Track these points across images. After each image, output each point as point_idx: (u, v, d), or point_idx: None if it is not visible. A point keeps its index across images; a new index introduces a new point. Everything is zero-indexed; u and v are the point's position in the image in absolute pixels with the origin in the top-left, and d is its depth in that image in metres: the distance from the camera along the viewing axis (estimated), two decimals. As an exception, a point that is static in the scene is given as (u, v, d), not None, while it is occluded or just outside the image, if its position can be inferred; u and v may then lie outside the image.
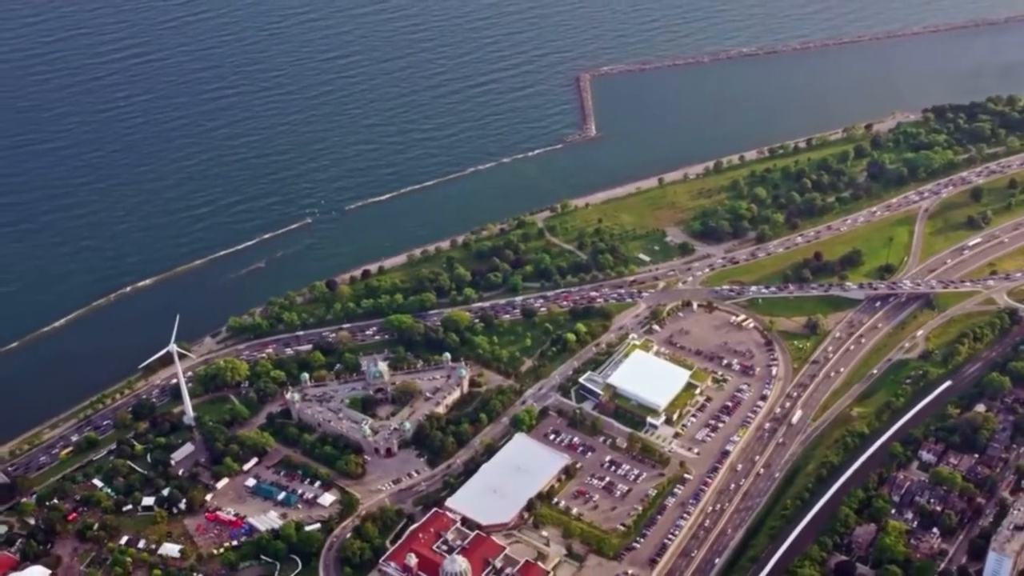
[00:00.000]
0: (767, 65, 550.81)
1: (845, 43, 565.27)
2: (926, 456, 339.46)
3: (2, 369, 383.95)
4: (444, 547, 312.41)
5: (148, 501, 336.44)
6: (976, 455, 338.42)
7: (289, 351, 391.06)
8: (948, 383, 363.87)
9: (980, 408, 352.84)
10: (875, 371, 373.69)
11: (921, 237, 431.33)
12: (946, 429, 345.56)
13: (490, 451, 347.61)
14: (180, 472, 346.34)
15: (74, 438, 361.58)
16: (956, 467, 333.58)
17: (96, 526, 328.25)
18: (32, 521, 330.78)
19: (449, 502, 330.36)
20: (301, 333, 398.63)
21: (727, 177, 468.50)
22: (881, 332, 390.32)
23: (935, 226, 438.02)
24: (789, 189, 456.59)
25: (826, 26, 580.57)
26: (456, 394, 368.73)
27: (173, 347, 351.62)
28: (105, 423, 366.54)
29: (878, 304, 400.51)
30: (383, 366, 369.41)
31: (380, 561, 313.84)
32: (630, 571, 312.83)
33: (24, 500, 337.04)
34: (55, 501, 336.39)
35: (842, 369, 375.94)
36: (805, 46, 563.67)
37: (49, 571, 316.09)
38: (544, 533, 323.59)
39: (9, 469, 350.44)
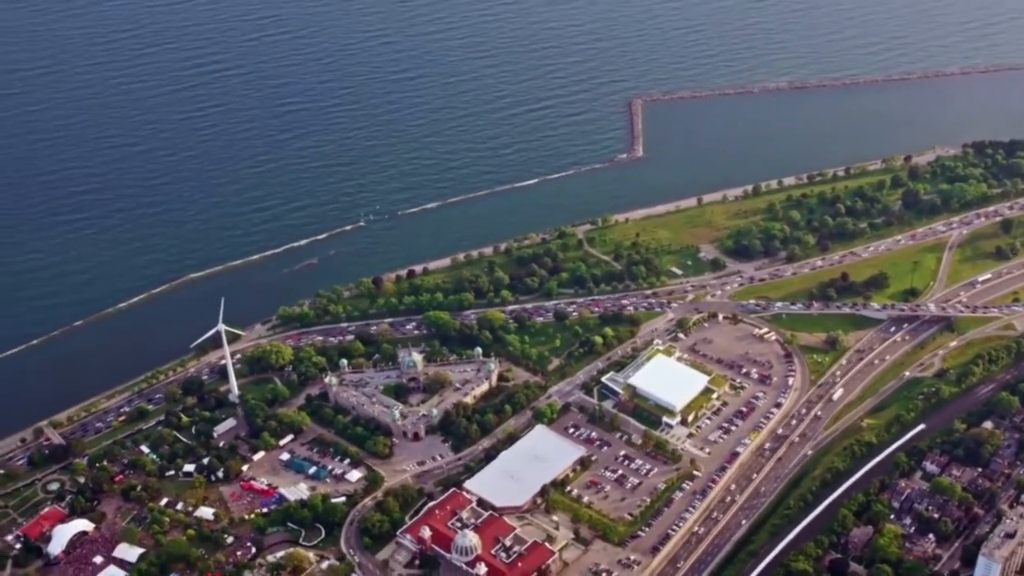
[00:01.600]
0: (814, 98, 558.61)
1: (892, 80, 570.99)
2: (930, 467, 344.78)
3: (67, 344, 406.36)
4: (458, 524, 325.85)
5: (189, 468, 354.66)
6: (979, 469, 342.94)
7: (332, 340, 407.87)
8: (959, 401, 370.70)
9: (987, 425, 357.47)
10: (889, 386, 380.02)
11: (948, 264, 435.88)
12: (951, 442, 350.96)
13: (511, 440, 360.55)
14: (221, 444, 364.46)
15: (127, 408, 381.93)
16: (958, 479, 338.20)
17: (140, 487, 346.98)
18: (82, 480, 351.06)
19: (467, 484, 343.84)
20: (345, 324, 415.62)
21: (764, 200, 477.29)
22: (899, 351, 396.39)
23: (963, 254, 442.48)
24: (823, 213, 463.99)
25: (876, 63, 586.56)
26: (484, 386, 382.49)
27: (221, 327, 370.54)
28: (157, 396, 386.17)
29: (900, 325, 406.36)
30: (417, 357, 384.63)
31: (397, 533, 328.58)
32: (632, 557, 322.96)
33: (76, 461, 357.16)
34: (104, 463, 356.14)
35: (857, 383, 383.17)
36: (854, 81, 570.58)
37: (93, 525, 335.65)
38: (555, 518, 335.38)
39: (65, 433, 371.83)
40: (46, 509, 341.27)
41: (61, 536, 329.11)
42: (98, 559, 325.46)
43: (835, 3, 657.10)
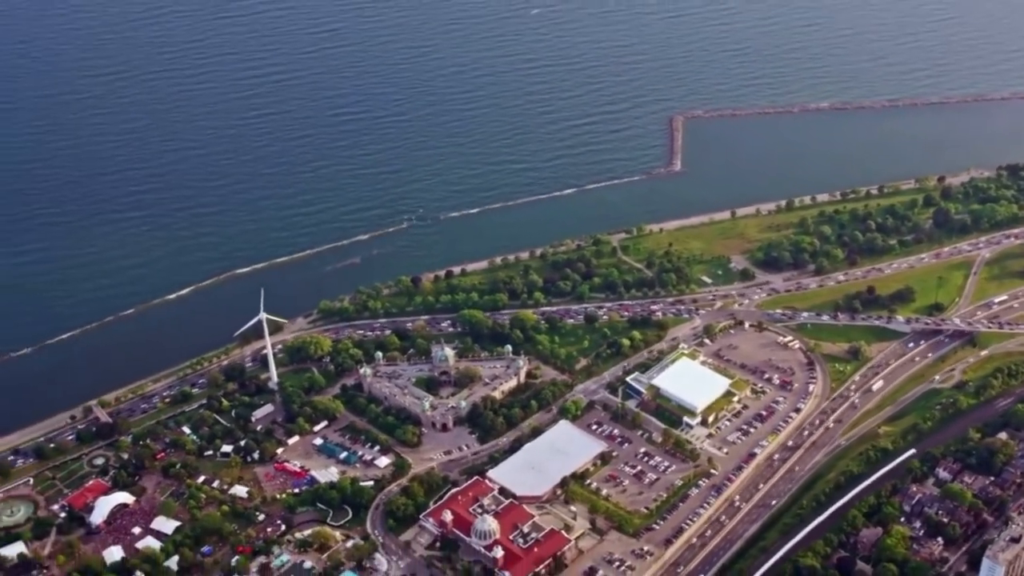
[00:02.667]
0: (853, 118, 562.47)
1: (932, 103, 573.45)
2: (942, 474, 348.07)
3: (119, 330, 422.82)
4: (479, 510, 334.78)
5: (227, 449, 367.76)
6: (991, 477, 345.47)
7: (369, 334, 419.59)
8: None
9: (1002, 436, 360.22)
10: (908, 396, 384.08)
11: (975, 282, 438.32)
12: (965, 451, 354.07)
13: (536, 433, 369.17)
14: (258, 427, 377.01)
15: (171, 392, 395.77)
16: (969, 486, 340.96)
17: (179, 465, 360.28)
18: (125, 456, 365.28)
19: (490, 473, 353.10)
20: (383, 320, 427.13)
21: (797, 215, 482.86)
22: (921, 363, 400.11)
23: (991, 273, 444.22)
24: (854, 229, 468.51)
25: (916, 86, 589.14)
26: (513, 382, 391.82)
27: (263, 315, 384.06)
28: (200, 382, 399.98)
29: (923, 339, 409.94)
30: (449, 351, 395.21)
31: (420, 517, 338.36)
32: (646, 548, 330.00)
33: (121, 438, 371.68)
34: (147, 441, 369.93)
35: (877, 392, 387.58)
36: (893, 103, 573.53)
37: (133, 498, 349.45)
38: (573, 508, 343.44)
39: (112, 412, 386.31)
40: (91, 482, 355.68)
41: (103, 507, 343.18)
42: (136, 530, 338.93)
43: (881, 30, 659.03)
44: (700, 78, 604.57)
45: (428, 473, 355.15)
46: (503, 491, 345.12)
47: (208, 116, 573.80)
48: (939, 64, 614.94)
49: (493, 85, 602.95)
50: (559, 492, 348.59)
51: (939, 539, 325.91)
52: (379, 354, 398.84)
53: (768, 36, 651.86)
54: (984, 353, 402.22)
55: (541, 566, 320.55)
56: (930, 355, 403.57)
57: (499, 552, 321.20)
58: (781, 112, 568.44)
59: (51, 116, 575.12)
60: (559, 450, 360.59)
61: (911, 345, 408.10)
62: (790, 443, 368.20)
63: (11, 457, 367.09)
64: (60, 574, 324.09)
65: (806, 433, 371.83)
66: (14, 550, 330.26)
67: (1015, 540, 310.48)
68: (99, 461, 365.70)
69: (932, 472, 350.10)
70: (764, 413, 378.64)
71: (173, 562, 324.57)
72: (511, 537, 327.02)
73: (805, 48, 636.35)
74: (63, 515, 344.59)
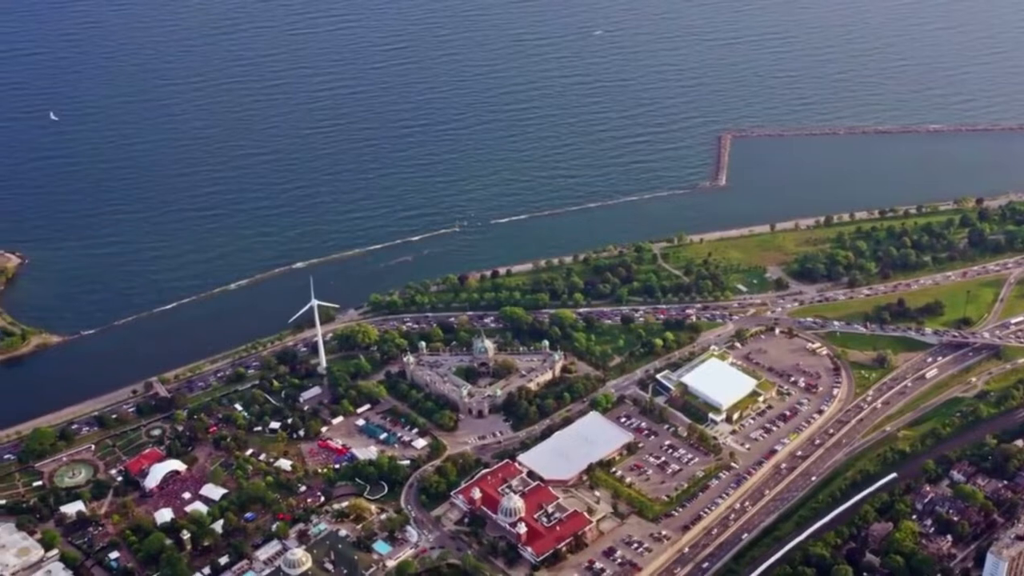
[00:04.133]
0: (897, 142, 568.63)
1: (978, 129, 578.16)
2: (956, 476, 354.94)
3: (180, 316, 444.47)
4: (507, 490, 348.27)
5: (274, 425, 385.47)
6: (1004, 481, 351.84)
7: (415, 326, 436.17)
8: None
9: (1019, 443, 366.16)
10: (930, 403, 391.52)
11: (1006, 299, 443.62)
12: (980, 455, 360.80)
13: (566, 423, 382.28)
14: (305, 408, 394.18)
15: (226, 372, 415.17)
16: (982, 488, 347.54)
17: (229, 438, 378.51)
18: (180, 428, 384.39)
19: (520, 457, 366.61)
20: (429, 314, 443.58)
21: (835, 231, 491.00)
22: (945, 373, 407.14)
23: (1022, 291, 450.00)
24: (889, 245, 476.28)
25: (963, 113, 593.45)
26: (548, 375, 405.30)
27: (314, 302, 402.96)
28: (254, 364, 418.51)
29: (949, 351, 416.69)
30: (489, 344, 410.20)
31: (451, 494, 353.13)
32: (664, 532, 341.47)
33: (177, 412, 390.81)
34: (201, 416, 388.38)
35: (900, 399, 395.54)
36: (938, 129, 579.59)
37: (185, 466, 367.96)
38: (597, 493, 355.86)
39: (171, 388, 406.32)
40: (147, 450, 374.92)
41: (156, 473, 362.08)
42: (186, 495, 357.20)
43: (932, 60, 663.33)
44: (751, 100, 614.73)
45: (462, 455, 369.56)
46: (531, 474, 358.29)
47: (278, 124, 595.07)
48: (985, 93, 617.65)
49: (551, 102, 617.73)
50: (585, 478, 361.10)
51: (948, 536, 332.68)
52: (423, 344, 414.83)
53: (821, 63, 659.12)
54: (1008, 366, 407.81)
55: (562, 544, 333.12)
56: (956, 364, 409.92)
57: (522, 528, 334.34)
58: (827, 134, 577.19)
59: (131, 119, 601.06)
60: (587, 439, 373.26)
61: (938, 358, 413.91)
62: (811, 443, 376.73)
63: (75, 425, 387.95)
64: (114, 531, 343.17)
65: (827, 434, 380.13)
66: (74, 508, 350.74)
67: (1020, 538, 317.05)
68: (156, 432, 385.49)
69: (947, 474, 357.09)
70: (787, 413, 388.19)
71: (218, 525, 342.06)
72: (535, 516, 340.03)
73: (857, 75, 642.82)
74: (120, 479, 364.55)
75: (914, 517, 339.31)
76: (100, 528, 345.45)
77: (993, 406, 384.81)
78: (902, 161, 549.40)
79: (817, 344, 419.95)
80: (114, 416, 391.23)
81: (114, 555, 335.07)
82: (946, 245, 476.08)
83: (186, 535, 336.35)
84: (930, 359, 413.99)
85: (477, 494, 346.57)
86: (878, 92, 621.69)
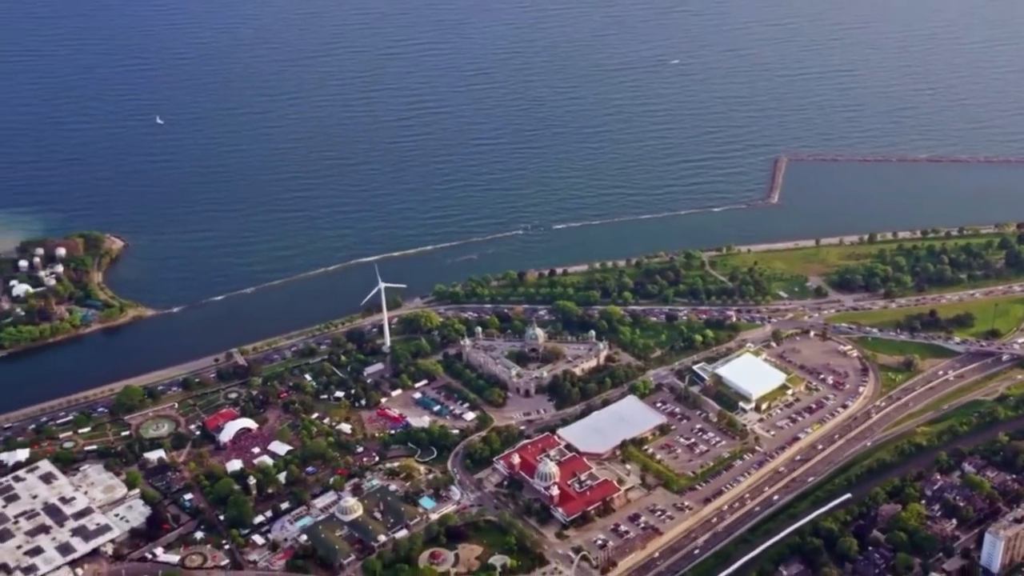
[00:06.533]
0: (948, 171, 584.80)
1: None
2: (967, 468, 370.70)
3: (262, 297, 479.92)
4: (545, 458, 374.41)
5: (339, 394, 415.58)
6: (1013, 475, 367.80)
7: (474, 315, 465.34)
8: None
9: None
10: (950, 405, 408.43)
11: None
12: (992, 450, 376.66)
13: (605, 404, 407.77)
14: (368, 380, 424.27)
15: (299, 347, 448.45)
16: (991, 479, 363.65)
17: (297, 403, 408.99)
18: (255, 393, 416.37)
19: (560, 431, 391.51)
20: (488, 305, 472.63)
21: (877, 247, 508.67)
22: (969, 379, 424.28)
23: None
24: (928, 262, 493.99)
25: (1014, 146, 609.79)
26: (593, 363, 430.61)
27: (381, 285, 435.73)
28: (325, 341, 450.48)
29: (975, 359, 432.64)
30: (540, 331, 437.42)
31: (494, 460, 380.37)
32: (687, 503, 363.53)
33: (253, 379, 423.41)
34: (274, 383, 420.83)
35: (922, 400, 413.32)
36: (989, 159, 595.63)
37: (256, 425, 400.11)
38: (627, 466, 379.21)
39: (249, 359, 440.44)
40: (223, 410, 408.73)
41: (230, 429, 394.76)
42: (256, 449, 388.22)
43: (988, 95, 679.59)
44: (811, 128, 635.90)
45: (507, 428, 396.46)
46: (569, 447, 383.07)
47: (362, 137, 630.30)
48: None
49: (621, 123, 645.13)
50: (618, 452, 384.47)
51: (953, 520, 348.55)
52: (479, 329, 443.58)
53: (882, 98, 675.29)
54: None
55: (591, 507, 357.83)
56: (980, 370, 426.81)
57: (555, 491, 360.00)
58: (879, 161, 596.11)
59: (230, 127, 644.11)
60: (623, 419, 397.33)
61: (971, 359, 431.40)
62: (834, 434, 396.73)
63: (161, 386, 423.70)
64: (189, 476, 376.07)
65: (849, 427, 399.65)
66: (155, 455, 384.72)
67: (1018, 521, 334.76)
68: (233, 395, 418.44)
69: (958, 466, 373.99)
70: (813, 406, 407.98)
71: (282, 476, 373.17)
72: (568, 482, 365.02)
73: (914, 107, 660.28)
74: (198, 433, 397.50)
75: (922, 502, 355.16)
76: (177, 473, 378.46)
77: (1011, 409, 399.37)
78: (949, 188, 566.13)
79: (848, 347, 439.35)
80: (196, 380, 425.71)
81: (188, 496, 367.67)
82: (982, 264, 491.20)
83: (252, 482, 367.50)
84: (957, 366, 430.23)
85: (517, 460, 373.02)
86: (932, 125, 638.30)
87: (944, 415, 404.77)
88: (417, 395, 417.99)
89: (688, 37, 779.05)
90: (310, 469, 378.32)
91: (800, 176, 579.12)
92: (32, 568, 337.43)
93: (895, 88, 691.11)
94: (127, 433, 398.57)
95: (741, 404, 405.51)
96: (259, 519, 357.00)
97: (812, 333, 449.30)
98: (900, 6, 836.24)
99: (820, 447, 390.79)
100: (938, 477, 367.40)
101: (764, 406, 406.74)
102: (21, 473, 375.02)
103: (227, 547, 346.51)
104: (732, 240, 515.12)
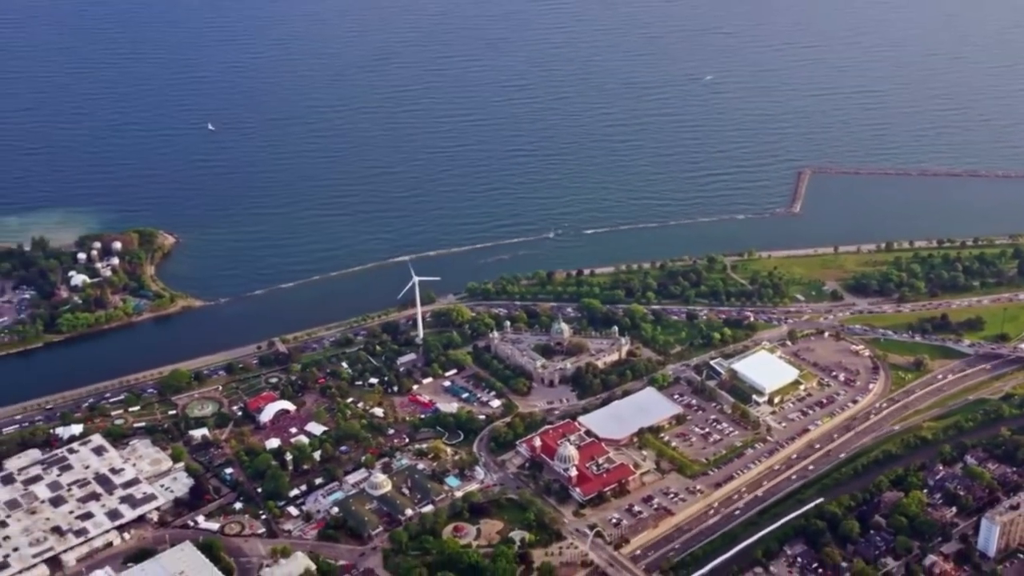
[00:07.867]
0: (967, 184, 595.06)
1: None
2: (970, 460, 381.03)
3: (303, 291, 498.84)
4: (565, 442, 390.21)
5: (373, 381, 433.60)
6: (1014, 468, 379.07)
7: (503, 311, 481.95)
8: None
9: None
10: (957, 403, 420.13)
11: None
12: (994, 444, 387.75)
13: (625, 395, 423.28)
14: (401, 369, 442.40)
15: (337, 337, 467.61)
16: (991, 471, 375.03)
17: (333, 388, 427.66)
18: (294, 378, 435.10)
19: (580, 418, 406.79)
20: (518, 302, 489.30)
21: (893, 255, 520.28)
22: (977, 379, 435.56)
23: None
24: (942, 269, 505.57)
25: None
26: (615, 356, 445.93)
27: (415, 279, 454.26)
28: (362, 332, 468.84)
29: (984, 361, 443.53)
30: (565, 326, 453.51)
31: (517, 443, 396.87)
32: (699, 487, 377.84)
33: (292, 365, 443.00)
34: (312, 369, 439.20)
35: (930, 397, 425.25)
36: (1007, 174, 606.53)
37: (294, 407, 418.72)
38: (644, 452, 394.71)
39: (289, 347, 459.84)
40: (264, 393, 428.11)
41: (270, 410, 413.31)
42: (293, 429, 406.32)
43: (1019, 113, 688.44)
44: (835, 142, 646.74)
45: (530, 414, 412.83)
46: (588, 433, 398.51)
47: (402, 146, 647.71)
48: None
49: (652, 135, 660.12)
50: (635, 439, 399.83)
51: (953, 508, 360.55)
52: (507, 323, 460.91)
53: (907, 114, 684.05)
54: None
55: (607, 488, 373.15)
56: (989, 372, 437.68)
57: (573, 472, 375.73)
58: (900, 174, 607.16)
59: (277, 134, 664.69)
60: (641, 408, 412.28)
61: (980, 361, 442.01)
62: (843, 427, 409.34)
63: (207, 370, 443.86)
64: (230, 452, 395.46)
65: (858, 420, 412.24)
66: (199, 432, 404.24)
67: (1014, 508, 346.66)
68: (273, 380, 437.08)
69: (961, 458, 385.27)
70: (825, 401, 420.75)
71: (317, 454, 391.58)
72: (586, 464, 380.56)
73: (938, 126, 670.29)
74: (239, 413, 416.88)
75: (924, 490, 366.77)
76: (219, 449, 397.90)
77: (1016, 407, 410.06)
78: (967, 201, 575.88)
79: (861, 347, 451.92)
80: (240, 365, 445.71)
81: (229, 470, 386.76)
82: (995, 272, 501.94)
83: (289, 458, 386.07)
84: (966, 367, 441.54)
85: (538, 443, 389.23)
86: (954, 142, 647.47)
87: (950, 411, 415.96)
88: (447, 383, 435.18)
89: (722, 57, 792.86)
90: (343, 448, 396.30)
91: (822, 187, 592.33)
92: (83, 531, 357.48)
93: (920, 106, 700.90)
94: (174, 412, 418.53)
95: (755, 397, 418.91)
96: (294, 492, 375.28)
97: (826, 333, 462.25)
98: (929, 32, 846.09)
99: (830, 438, 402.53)
100: (941, 468, 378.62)
101: (777, 399, 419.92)
102: (75, 446, 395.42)
103: (264, 517, 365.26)
104: (754, 246, 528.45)
